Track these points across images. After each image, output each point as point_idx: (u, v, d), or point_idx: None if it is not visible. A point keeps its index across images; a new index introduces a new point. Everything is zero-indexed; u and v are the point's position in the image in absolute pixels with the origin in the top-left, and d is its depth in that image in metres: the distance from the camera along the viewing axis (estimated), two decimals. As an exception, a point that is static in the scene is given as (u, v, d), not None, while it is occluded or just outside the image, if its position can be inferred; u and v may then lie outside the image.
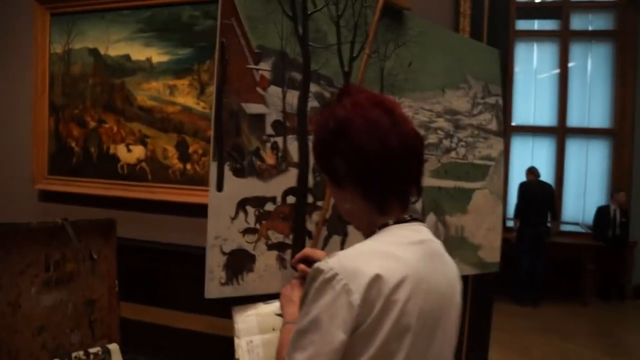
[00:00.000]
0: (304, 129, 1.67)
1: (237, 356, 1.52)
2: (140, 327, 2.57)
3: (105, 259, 1.64)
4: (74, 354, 1.45)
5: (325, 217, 1.66)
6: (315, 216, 1.68)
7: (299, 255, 1.53)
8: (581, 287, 6.95)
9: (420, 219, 1.26)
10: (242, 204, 1.56)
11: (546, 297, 6.86)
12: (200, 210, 2.69)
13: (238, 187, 1.55)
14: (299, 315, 1.16)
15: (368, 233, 1.22)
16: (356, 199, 1.20)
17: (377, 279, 1.07)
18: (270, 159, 1.61)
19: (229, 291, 1.55)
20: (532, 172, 7.00)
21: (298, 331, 1.12)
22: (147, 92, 2.89)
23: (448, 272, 1.24)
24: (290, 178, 1.64)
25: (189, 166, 2.83)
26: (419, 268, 1.13)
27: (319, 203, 1.68)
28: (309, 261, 1.51)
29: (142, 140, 2.90)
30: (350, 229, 1.75)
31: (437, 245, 1.25)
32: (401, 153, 1.16)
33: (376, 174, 1.16)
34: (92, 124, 3.00)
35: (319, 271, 1.10)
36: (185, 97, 2.84)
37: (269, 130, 1.61)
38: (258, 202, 1.58)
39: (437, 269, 1.20)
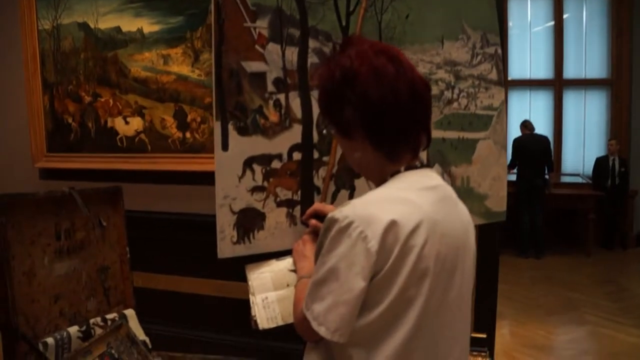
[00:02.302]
0: (306, 85, 1.65)
1: (253, 313, 1.53)
2: (152, 294, 2.59)
3: (114, 226, 1.64)
4: (91, 320, 1.46)
5: (332, 171, 1.65)
6: (322, 171, 1.67)
7: (309, 211, 1.52)
8: (583, 237, 6.98)
9: (430, 166, 1.25)
10: (248, 163, 1.55)
11: (549, 248, 6.91)
12: (202, 178, 2.71)
13: (243, 145, 1.54)
14: (314, 268, 1.16)
15: (379, 182, 1.22)
16: (366, 148, 1.19)
17: (393, 224, 1.06)
18: (273, 116, 1.59)
19: (241, 249, 1.56)
20: (525, 126, 6.96)
21: (315, 282, 1.12)
22: (140, 63, 2.88)
23: (462, 216, 1.24)
24: (294, 134, 1.63)
25: (188, 134, 2.83)
26: (433, 212, 1.13)
27: (325, 158, 1.67)
28: (320, 216, 1.52)
29: (139, 112, 2.91)
30: (358, 182, 1.75)
31: (450, 190, 1.24)
32: (410, 99, 1.15)
33: (386, 122, 1.15)
34: (88, 99, 2.99)
35: (334, 220, 1.10)
36: (179, 65, 2.82)
37: (271, 87, 1.59)
38: (264, 159, 1.57)
39: (451, 212, 1.20)
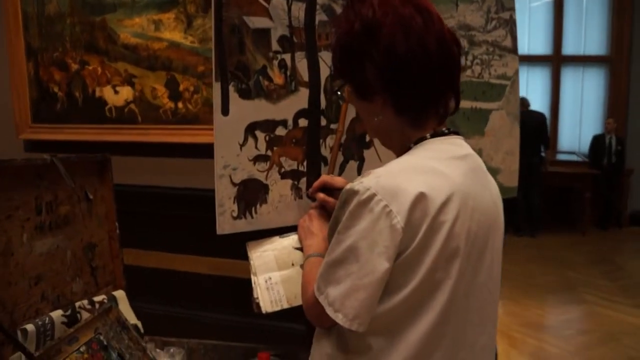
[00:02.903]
0: (313, 45, 1.49)
1: (255, 295, 1.40)
2: (142, 272, 2.49)
3: (102, 199, 1.49)
4: (77, 304, 1.32)
5: (341, 140, 1.51)
6: (330, 140, 1.53)
7: (317, 183, 1.39)
8: (579, 215, 6.94)
9: (459, 132, 1.11)
10: (250, 129, 1.40)
11: (544, 226, 6.87)
12: (195, 151, 2.61)
13: (245, 109, 1.39)
14: (329, 246, 1.02)
15: (401, 150, 1.08)
16: (387, 112, 1.05)
17: (421, 197, 0.93)
18: (278, 78, 1.44)
19: (242, 225, 1.42)
20: (521, 103, 6.86)
21: (330, 263, 0.99)
22: (130, 29, 2.73)
23: (492, 190, 1.12)
24: (300, 99, 1.48)
25: (180, 105, 2.74)
26: (464, 185, 1.00)
27: (333, 126, 1.53)
28: (328, 189, 1.38)
29: (129, 81, 2.78)
30: (367, 153, 1.61)
31: (479, 160, 1.12)
32: (439, 56, 1.01)
33: (412, 81, 1.01)
34: (75, 67, 2.87)
35: (353, 192, 0.97)
36: (171, 32, 2.71)
37: (276, 46, 1.44)
38: (268, 126, 1.42)
39: (482, 185, 1.08)
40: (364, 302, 0.95)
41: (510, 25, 2.23)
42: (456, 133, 1.11)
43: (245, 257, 1.47)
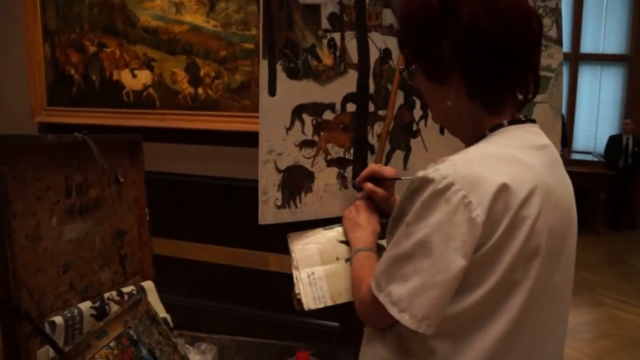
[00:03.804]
0: (363, 25, 1.38)
1: (297, 291, 1.30)
2: (167, 262, 2.40)
3: (132, 183, 1.39)
4: (106, 295, 1.22)
5: (389, 127, 1.41)
6: (377, 127, 1.42)
7: (365, 172, 1.29)
8: (593, 216, 6.82)
9: (534, 120, 1.01)
10: (297, 111, 1.29)
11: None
12: (214, 138, 2.52)
13: (293, 90, 1.28)
14: (393, 239, 0.92)
15: (473, 139, 0.98)
16: (461, 95, 0.95)
17: (504, 189, 0.84)
18: (327, 58, 1.33)
19: (285, 215, 1.31)
20: (537, 100, 6.76)
21: (396, 257, 0.89)
22: (150, 11, 2.63)
23: (569, 184, 1.02)
24: (349, 82, 1.37)
25: (200, 90, 2.66)
26: (547, 177, 0.91)
27: (381, 112, 1.42)
28: (377, 179, 1.28)
29: (148, 64, 2.68)
30: (414, 143, 1.50)
31: (556, 152, 1.01)
32: (523, 36, 0.91)
33: (493, 62, 0.91)
34: (92, 49, 2.78)
35: (428, 180, 0.86)
36: (193, 14, 2.61)
37: (325, 24, 1.33)
38: (316, 109, 1.31)
39: (561, 179, 0.98)
40: (435, 301, 0.85)
41: (557, 15, 2.12)
42: (532, 121, 1.01)
43: (282, 251, 1.37)
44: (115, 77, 2.79)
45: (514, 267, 0.86)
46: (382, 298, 0.90)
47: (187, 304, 2.30)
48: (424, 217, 0.86)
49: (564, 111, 7.27)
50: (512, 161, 0.89)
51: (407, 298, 0.86)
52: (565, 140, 6.92)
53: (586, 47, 7.45)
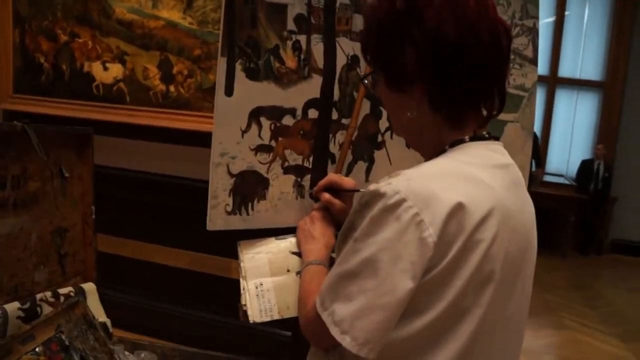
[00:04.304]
0: (332, 29, 1.34)
1: (243, 302, 1.24)
2: (118, 261, 2.33)
3: (79, 178, 1.31)
4: (38, 296, 1.14)
5: (352, 137, 1.36)
6: (340, 136, 1.37)
7: (323, 182, 1.23)
8: (561, 239, 6.87)
9: (498, 137, 0.97)
10: (255, 114, 1.24)
11: (529, 251, 6.80)
12: (184, 137, 2.46)
13: (252, 92, 1.23)
14: (341, 254, 0.87)
15: (432, 153, 0.93)
16: (423, 107, 0.91)
17: (459, 209, 0.79)
18: (291, 61, 1.28)
19: (236, 222, 1.25)
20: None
21: (341, 275, 0.84)
22: (126, 4, 2.60)
23: (530, 208, 0.98)
24: (313, 87, 1.32)
25: (172, 88, 2.63)
26: (506, 199, 0.86)
27: (345, 120, 1.38)
28: (335, 189, 1.23)
29: (121, 58, 2.66)
30: (378, 155, 1.46)
31: (519, 173, 0.97)
32: (490, 48, 0.87)
33: (457, 72, 0.86)
34: (64, 38, 2.76)
35: (379, 195, 0.81)
36: (169, 10, 2.60)
37: (291, 25, 1.28)
38: (274, 113, 1.26)
39: (522, 202, 0.94)
40: (378, 325, 0.80)
41: (533, 34, 2.11)
42: (496, 138, 0.97)
43: (233, 255, 1.31)
44: (85, 68, 2.74)
45: (465, 293, 0.81)
46: (325, 317, 0.85)
47: (136, 304, 2.22)
48: (372, 233, 0.81)
49: (539, 133, 7.33)
50: (469, 179, 0.84)
51: (350, 319, 0.81)
52: (540, 161, 6.97)
53: (564, 71, 7.54)
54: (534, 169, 6.75)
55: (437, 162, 0.89)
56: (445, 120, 0.91)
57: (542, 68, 7.49)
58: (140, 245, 2.42)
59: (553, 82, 7.49)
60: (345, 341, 0.81)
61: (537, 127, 7.44)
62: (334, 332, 0.82)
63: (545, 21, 7.52)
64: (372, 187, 0.84)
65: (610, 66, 7.29)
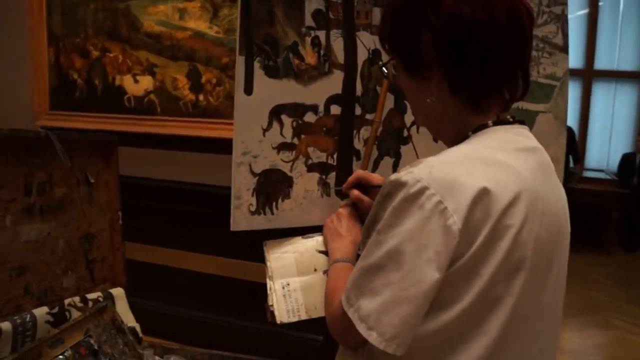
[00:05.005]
0: (351, 23, 1.31)
1: (270, 302, 1.22)
2: (150, 269, 2.35)
3: (105, 185, 1.32)
4: (67, 301, 1.15)
5: (377, 132, 1.33)
6: (364, 132, 1.35)
7: (352, 178, 1.21)
8: (605, 235, 6.66)
9: (523, 121, 0.93)
10: (276, 112, 1.22)
11: (570, 245, 6.62)
12: (214, 145, 2.48)
13: (271, 89, 1.21)
14: (365, 248, 0.84)
15: (455, 140, 0.90)
16: (443, 92, 0.87)
17: (484, 194, 0.75)
18: (310, 57, 1.26)
19: (260, 222, 1.24)
20: (549, 116, 6.65)
21: (366, 269, 0.80)
22: (154, 17, 2.65)
23: (561, 191, 0.93)
24: (334, 83, 1.30)
25: (201, 97, 2.66)
26: (534, 182, 0.82)
27: (369, 116, 1.35)
28: (363, 186, 1.20)
29: (150, 70, 2.70)
30: (404, 150, 1.43)
31: (547, 156, 0.93)
32: (509, 29, 0.83)
33: (476, 55, 0.83)
34: (95, 54, 2.81)
35: (400, 184, 0.78)
36: (196, 21, 2.61)
37: (309, 21, 1.26)
38: (296, 110, 1.24)
39: (551, 185, 0.89)
40: (405, 319, 0.76)
41: (562, 22, 2.04)
42: (521, 122, 0.92)
43: (261, 260, 1.29)
44: (117, 82, 2.79)
45: (494, 283, 0.77)
46: (351, 313, 0.82)
47: (166, 311, 2.24)
48: (395, 224, 0.78)
49: (576, 128, 7.14)
50: (494, 163, 0.81)
51: (376, 314, 0.78)
52: (578, 156, 6.79)
53: (600, 63, 7.34)
54: (571, 165, 6.57)
55: (460, 148, 0.86)
56: (467, 105, 0.88)
57: (578, 61, 7.32)
58: (172, 253, 2.44)
59: (589, 75, 7.30)
60: (372, 337, 0.78)
61: (575, 122, 7.26)
62: (361, 328, 0.79)
63: (579, 13, 7.35)
64: (393, 176, 0.81)
65: (650, 55, 7.07)
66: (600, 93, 7.40)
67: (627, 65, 7.29)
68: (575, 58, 7.37)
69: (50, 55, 2.88)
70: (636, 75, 7.22)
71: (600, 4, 7.31)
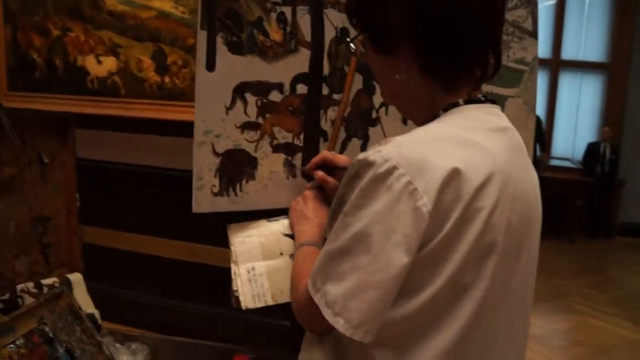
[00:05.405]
0: (319, 0, 1.28)
1: (234, 287, 1.19)
2: (111, 253, 2.29)
3: (60, 165, 1.26)
4: (19, 287, 1.09)
5: (344, 113, 1.30)
6: (332, 112, 1.31)
7: (316, 159, 1.18)
8: (569, 223, 6.79)
9: (494, 100, 0.91)
10: (240, 90, 1.18)
11: (538, 232, 6.74)
12: (179, 128, 2.41)
13: (235, 67, 1.17)
14: (331, 231, 0.81)
15: (425, 119, 0.87)
16: (412, 69, 0.84)
17: (455, 174, 0.73)
18: (276, 33, 1.22)
19: (223, 203, 1.20)
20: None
21: (332, 252, 0.78)
22: None
23: (532, 174, 0.91)
24: (300, 61, 1.26)
25: (167, 79, 2.60)
26: (505, 164, 0.80)
27: (336, 96, 1.32)
28: (329, 167, 1.17)
29: (114, 51, 2.62)
30: (373, 132, 1.40)
31: (519, 137, 0.91)
32: (481, 4, 0.81)
33: (447, 30, 0.80)
34: (56, 33, 2.73)
35: (368, 164, 0.75)
36: (161, 0, 2.54)
37: (275, -4, 1.22)
38: (260, 88, 1.20)
39: (523, 167, 0.87)
40: (373, 304, 0.74)
41: (532, 6, 2.03)
42: (493, 102, 0.90)
43: (226, 245, 1.25)
44: (79, 62, 2.71)
45: (465, 267, 0.75)
46: (317, 299, 0.79)
47: (129, 297, 2.18)
48: (362, 206, 0.75)
49: (543, 117, 7.24)
50: (465, 144, 0.78)
51: (342, 300, 0.75)
52: (544, 145, 6.89)
53: (567, 53, 7.44)
54: (538, 153, 6.67)
55: (430, 127, 0.83)
56: (437, 83, 0.85)
57: (545, 51, 7.40)
58: (136, 238, 2.39)
59: (556, 64, 7.40)
60: (339, 324, 0.75)
61: (541, 111, 7.36)
62: (327, 314, 0.76)
63: (547, 4, 7.43)
64: (361, 156, 0.78)
65: (614, 47, 7.19)
66: (567, 83, 7.52)
67: (593, 56, 7.41)
68: (542, 48, 7.43)
69: (7, 34, 2.77)
70: (601, 66, 7.34)
71: (567, -6, 7.41)
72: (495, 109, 0.89)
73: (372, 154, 0.76)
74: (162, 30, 2.59)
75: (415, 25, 0.81)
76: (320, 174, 1.17)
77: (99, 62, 2.70)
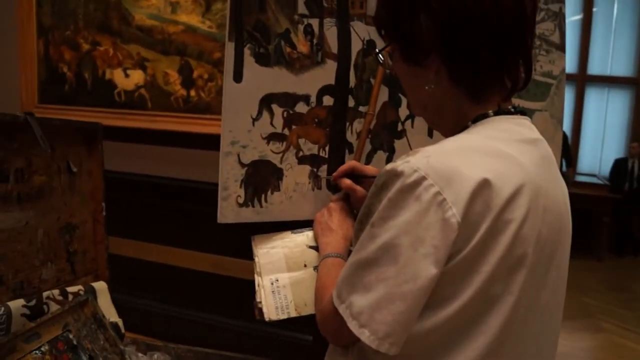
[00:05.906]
0: (345, 12, 1.28)
1: (258, 299, 1.18)
2: (137, 265, 2.31)
3: (88, 174, 1.27)
4: (45, 294, 1.10)
5: (370, 125, 1.29)
6: (357, 124, 1.31)
7: (343, 167, 1.17)
8: (596, 240, 6.66)
9: (524, 112, 0.90)
10: (266, 101, 1.18)
11: (566, 246, 6.63)
12: (205, 142, 2.44)
13: (262, 78, 1.17)
14: (357, 242, 0.80)
15: (454, 131, 0.86)
16: (442, 80, 0.83)
17: (484, 186, 0.71)
18: (302, 45, 1.22)
19: (248, 214, 1.19)
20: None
21: (358, 263, 0.76)
22: (146, 10, 2.61)
23: (563, 186, 0.89)
24: (327, 73, 1.26)
25: (193, 92, 2.62)
26: (536, 175, 0.78)
27: (362, 108, 1.31)
28: (356, 176, 1.16)
29: (141, 64, 2.66)
30: (399, 144, 1.39)
31: (549, 148, 0.89)
32: (513, 14, 0.79)
33: (477, 41, 0.79)
34: (86, 47, 2.78)
35: (396, 174, 0.74)
36: (188, 15, 2.56)
37: (302, 8, 1.22)
38: (287, 100, 1.20)
39: (554, 179, 0.85)
40: (399, 316, 0.73)
41: (560, 19, 2.01)
42: (523, 113, 0.89)
43: (250, 257, 1.25)
44: (107, 76, 2.75)
45: (494, 280, 0.73)
46: (342, 310, 0.78)
47: (152, 308, 2.19)
48: (390, 216, 0.74)
49: (569, 132, 7.15)
50: (495, 154, 0.77)
51: (368, 311, 0.74)
52: (571, 160, 6.79)
53: (593, 68, 7.36)
54: (564, 168, 6.57)
55: (460, 137, 0.82)
56: (467, 94, 0.84)
57: (571, 66, 7.32)
58: (161, 249, 2.40)
59: (582, 80, 7.32)
60: (364, 335, 0.74)
61: (567, 127, 7.27)
62: (352, 325, 0.75)
63: (573, 19, 7.36)
64: (389, 166, 0.78)
65: (642, 61, 7.09)
66: (593, 98, 7.43)
67: (620, 71, 7.31)
68: (568, 63, 7.31)
69: (40, 48, 2.83)
70: (629, 81, 7.24)
71: (594, 9, 7.34)
72: (525, 121, 0.88)
73: (401, 164, 0.76)
74: (189, 44, 2.62)
75: (445, 35, 0.80)
76: (347, 182, 1.16)
77: (127, 75, 2.73)
